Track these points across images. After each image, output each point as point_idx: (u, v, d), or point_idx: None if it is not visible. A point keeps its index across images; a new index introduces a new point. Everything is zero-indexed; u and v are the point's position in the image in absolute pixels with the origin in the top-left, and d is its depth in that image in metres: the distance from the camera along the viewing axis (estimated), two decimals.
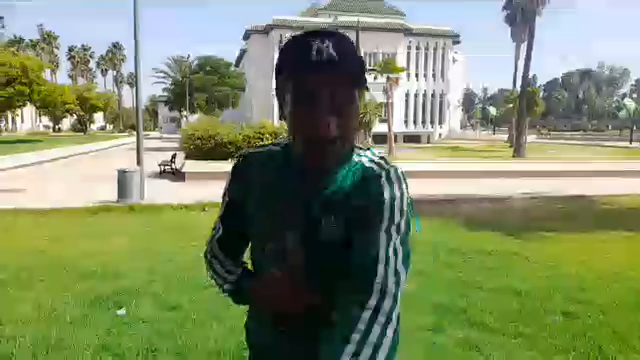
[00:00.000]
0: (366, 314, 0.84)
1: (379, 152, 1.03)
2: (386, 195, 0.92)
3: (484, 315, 3.75)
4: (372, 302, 0.85)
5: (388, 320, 0.85)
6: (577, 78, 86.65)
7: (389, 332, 0.84)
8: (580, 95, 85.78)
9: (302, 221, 0.97)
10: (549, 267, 5.21)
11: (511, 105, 34.47)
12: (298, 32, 0.93)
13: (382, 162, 0.98)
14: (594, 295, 4.26)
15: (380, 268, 0.87)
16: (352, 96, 0.90)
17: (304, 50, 0.87)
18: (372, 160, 0.99)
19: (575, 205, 9.65)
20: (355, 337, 0.82)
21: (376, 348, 0.82)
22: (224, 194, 1.13)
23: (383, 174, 0.95)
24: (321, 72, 0.86)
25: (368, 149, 1.03)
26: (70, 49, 79.25)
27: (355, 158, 0.99)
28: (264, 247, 1.04)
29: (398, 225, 0.92)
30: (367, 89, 0.95)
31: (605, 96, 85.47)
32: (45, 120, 60.52)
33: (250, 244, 1.11)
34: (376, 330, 0.83)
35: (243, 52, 48.46)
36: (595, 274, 4.93)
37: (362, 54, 33.45)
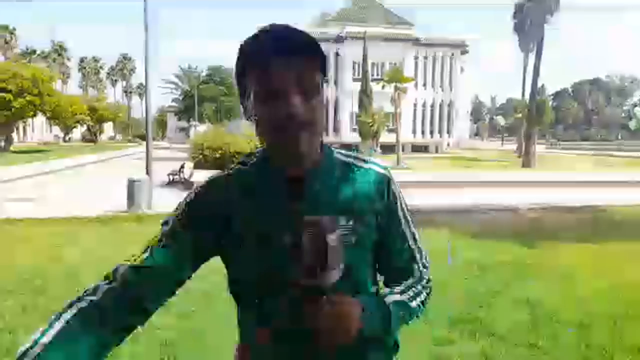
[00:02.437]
0: (409, 281, 1.03)
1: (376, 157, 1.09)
2: (397, 193, 1.03)
3: (498, 325, 3.71)
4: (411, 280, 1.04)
5: (425, 288, 1.04)
6: (586, 88, 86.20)
7: (425, 293, 1.04)
8: (589, 105, 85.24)
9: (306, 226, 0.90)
10: (563, 277, 5.17)
11: (520, 115, 34.31)
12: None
13: (374, 162, 1.03)
14: (608, 306, 4.19)
15: (415, 268, 1.05)
16: (315, 79, 0.89)
17: (261, 44, 0.87)
18: (362, 160, 1.02)
19: (588, 216, 9.55)
20: (400, 287, 1.01)
21: (417, 294, 1.01)
22: (163, 236, 0.95)
23: (386, 174, 1.01)
24: (279, 62, 0.85)
25: (346, 148, 1.08)
26: (82, 60, 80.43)
27: (339, 157, 1.01)
28: (263, 273, 0.92)
29: (410, 220, 1.06)
30: (326, 77, 0.93)
31: (615, 106, 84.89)
32: (56, 130, 61.22)
33: (232, 279, 0.99)
34: (417, 287, 1.02)
35: None
36: (609, 284, 4.86)
37: (370, 64, 33.77)
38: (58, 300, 4.10)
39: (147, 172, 10.74)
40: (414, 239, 1.06)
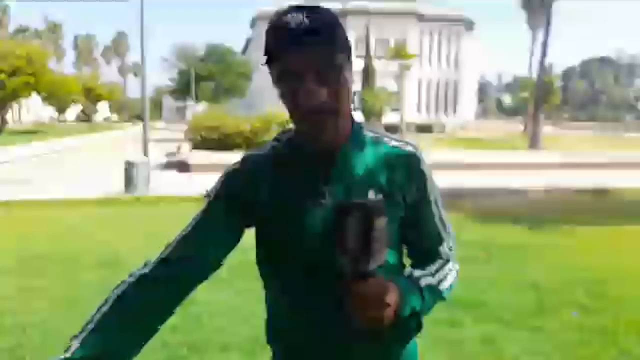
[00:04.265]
0: (437, 263, 1.04)
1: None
2: (427, 173, 1.02)
3: (502, 309, 3.71)
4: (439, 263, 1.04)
5: (451, 271, 1.04)
6: (595, 66, 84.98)
7: (452, 275, 1.04)
8: (597, 84, 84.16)
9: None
10: (569, 260, 5.13)
11: (526, 94, 33.59)
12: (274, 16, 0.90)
13: (405, 141, 1.03)
14: (615, 289, 4.16)
15: (441, 248, 1.06)
16: (339, 65, 0.90)
17: (282, 29, 0.87)
18: (392, 138, 1.03)
19: (595, 198, 9.43)
20: (430, 269, 1.02)
21: (445, 277, 1.02)
22: (209, 207, 0.99)
23: (417, 153, 1.01)
24: (302, 45, 0.86)
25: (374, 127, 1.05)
26: (75, 38, 78.98)
27: (369, 134, 1.01)
28: (299, 253, 0.95)
29: (440, 202, 1.06)
30: (349, 59, 0.93)
31: (625, 86, 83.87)
32: (51, 110, 60.41)
33: (264, 264, 1.03)
34: (445, 270, 1.03)
35: (249, 41, 47.81)
36: (616, 267, 4.80)
37: (373, 41, 32.85)
38: (59, 281, 4.18)
39: (145, 154, 10.47)
40: (442, 222, 1.06)
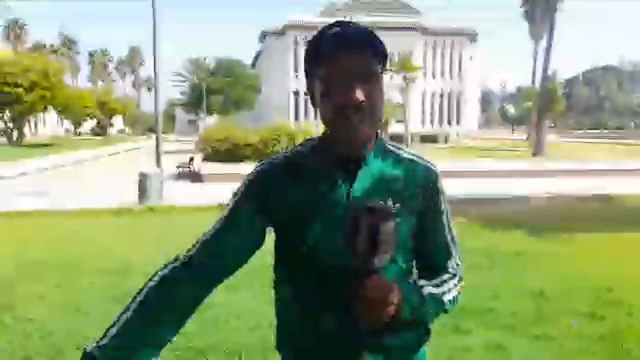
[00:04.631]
0: (444, 276, 1.09)
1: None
2: (442, 189, 1.08)
3: (507, 316, 3.71)
4: (446, 275, 1.10)
5: (456, 286, 1.09)
6: (598, 74, 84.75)
7: (457, 290, 1.09)
8: (601, 92, 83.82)
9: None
10: (575, 267, 5.14)
11: (530, 103, 33.89)
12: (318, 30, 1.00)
13: (424, 158, 1.09)
14: (621, 296, 4.16)
15: (449, 263, 1.11)
16: (377, 74, 0.97)
17: (329, 35, 0.96)
18: (411, 154, 1.08)
19: (600, 205, 9.46)
20: (435, 280, 1.07)
21: (449, 290, 1.07)
22: (232, 212, 1.03)
23: (435, 170, 1.08)
24: (351, 52, 0.93)
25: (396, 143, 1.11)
26: (91, 54, 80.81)
27: (391, 147, 1.07)
28: (319, 258, 0.98)
29: (451, 219, 1.12)
30: (384, 68, 1.01)
31: (628, 92, 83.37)
32: (67, 124, 61.69)
33: (286, 273, 1.06)
34: (450, 284, 1.08)
35: (259, 54, 48.70)
36: (622, 274, 4.82)
37: None
38: (75, 289, 4.31)
39: (158, 165, 10.84)
40: (452, 237, 1.12)
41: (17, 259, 5.37)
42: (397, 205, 0.99)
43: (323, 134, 1.05)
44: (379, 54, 0.97)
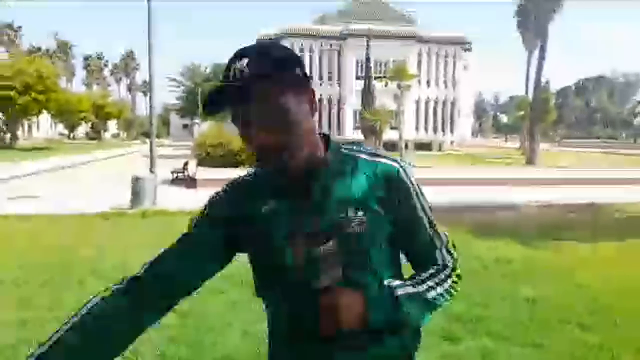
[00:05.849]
0: (430, 270, 1.05)
1: (369, 147, 1.11)
2: (408, 182, 1.02)
3: (501, 324, 3.72)
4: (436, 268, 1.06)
5: (449, 277, 1.06)
6: (590, 85, 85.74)
7: (450, 281, 1.06)
8: (593, 102, 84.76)
9: (325, 226, 0.96)
10: (565, 276, 5.15)
11: (523, 112, 34.20)
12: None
13: (384, 155, 1.05)
14: (610, 305, 4.18)
15: (437, 254, 1.07)
16: (281, 102, 0.89)
17: (224, 82, 0.90)
18: (371, 153, 1.04)
19: (591, 214, 9.50)
20: (418, 277, 1.04)
21: (438, 283, 1.03)
22: (191, 231, 1.03)
23: (396, 165, 1.02)
24: (239, 92, 0.88)
25: (353, 143, 1.10)
26: (86, 58, 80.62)
27: (346, 152, 1.03)
28: (285, 270, 0.97)
29: (427, 207, 1.05)
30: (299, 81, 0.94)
31: (619, 103, 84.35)
32: (61, 127, 61.41)
33: (257, 283, 1.05)
34: (439, 276, 1.04)
35: None
36: (611, 283, 4.84)
37: (373, 62, 33.67)
38: (64, 294, 4.25)
39: (151, 170, 10.83)
40: (433, 227, 1.06)
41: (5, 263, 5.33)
42: (361, 214, 0.96)
43: None
44: (284, 77, 0.89)
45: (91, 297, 0.95)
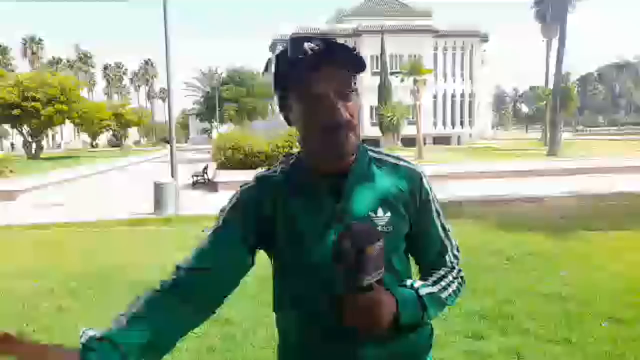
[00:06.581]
0: (441, 271, 1.10)
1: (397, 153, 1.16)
2: (428, 188, 1.09)
3: (528, 320, 3.64)
4: (442, 271, 1.11)
5: (456, 279, 1.11)
6: (613, 71, 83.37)
7: (457, 283, 1.10)
8: (617, 89, 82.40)
9: (346, 217, 0.99)
10: (595, 268, 4.99)
11: (544, 102, 33.51)
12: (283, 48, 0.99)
13: (405, 160, 1.11)
14: None
15: (447, 257, 1.12)
16: (352, 85, 0.98)
17: (299, 53, 0.94)
18: (394, 157, 1.10)
19: (619, 203, 9.24)
20: (432, 278, 1.08)
21: (448, 285, 1.08)
22: (222, 224, 1.04)
23: (419, 170, 1.09)
24: (319, 66, 0.93)
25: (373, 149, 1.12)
26: (105, 67, 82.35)
27: (373, 154, 1.08)
28: (308, 268, 1.00)
29: (442, 213, 1.12)
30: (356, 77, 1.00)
31: None
32: (84, 136, 62.85)
33: (276, 281, 1.07)
34: (449, 278, 1.09)
35: (269, 62, 49.14)
36: None
37: (388, 57, 33.48)
38: (92, 301, 4.37)
39: (172, 175, 10.97)
40: (445, 231, 1.12)
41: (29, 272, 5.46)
42: (387, 214, 1.01)
43: (301, 150, 1.06)
44: (354, 67, 0.98)
45: (143, 293, 0.97)
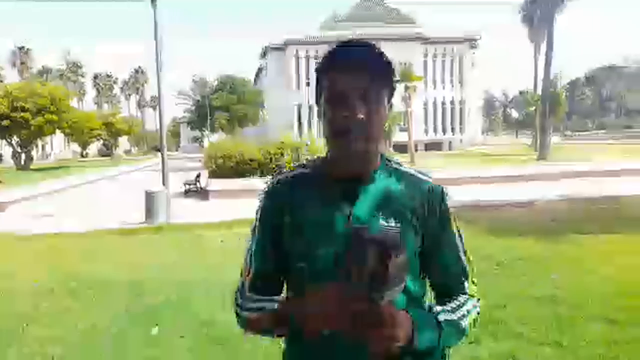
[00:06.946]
0: (460, 298, 1.06)
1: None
2: (449, 207, 1.07)
3: (519, 324, 3.65)
4: (463, 298, 1.07)
5: (475, 307, 1.07)
6: (601, 74, 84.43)
7: (476, 312, 1.07)
8: (605, 92, 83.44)
9: (356, 224, 0.99)
10: (586, 272, 5.01)
11: (533, 108, 33.84)
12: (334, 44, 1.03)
13: (428, 175, 1.09)
14: (635, 300, 4.05)
15: (466, 284, 1.08)
16: (379, 96, 0.98)
17: (337, 54, 0.99)
18: (415, 170, 1.09)
19: (609, 207, 9.31)
20: (451, 304, 1.03)
21: (468, 313, 1.04)
22: (258, 226, 1.09)
23: (441, 187, 1.07)
24: (351, 71, 0.96)
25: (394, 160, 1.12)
26: (95, 77, 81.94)
27: (396, 166, 1.08)
28: (314, 263, 1.01)
29: (462, 235, 1.10)
30: (392, 94, 1.03)
31: (635, 91, 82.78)
32: (74, 146, 62.37)
33: (287, 279, 1.09)
34: (468, 306, 1.05)
35: (260, 70, 49.21)
36: (635, 277, 4.71)
37: None
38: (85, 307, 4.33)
39: (164, 183, 10.91)
40: (465, 255, 1.09)
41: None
42: (398, 225, 0.99)
43: (327, 153, 1.07)
44: (384, 75, 0.99)
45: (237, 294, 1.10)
